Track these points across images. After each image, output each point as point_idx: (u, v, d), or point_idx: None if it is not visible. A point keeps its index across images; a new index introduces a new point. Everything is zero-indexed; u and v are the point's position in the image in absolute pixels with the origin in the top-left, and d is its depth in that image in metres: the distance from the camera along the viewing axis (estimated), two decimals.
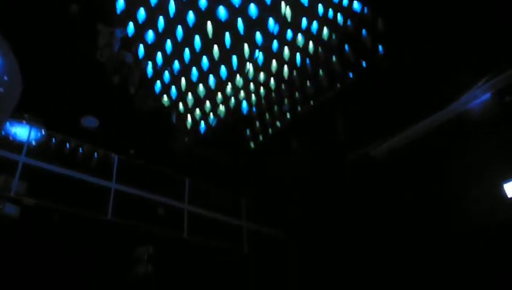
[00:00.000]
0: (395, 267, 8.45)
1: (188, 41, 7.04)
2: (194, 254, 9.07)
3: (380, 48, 7.23)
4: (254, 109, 8.28)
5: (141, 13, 6.70)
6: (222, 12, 6.60)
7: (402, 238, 8.65)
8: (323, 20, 7.02)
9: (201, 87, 7.99)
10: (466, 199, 7.93)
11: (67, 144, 8.41)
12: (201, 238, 9.48)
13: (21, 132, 7.82)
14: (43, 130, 8.07)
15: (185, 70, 7.79)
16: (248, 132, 8.85)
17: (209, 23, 6.74)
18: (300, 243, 10.06)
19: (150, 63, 7.82)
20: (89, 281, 7.44)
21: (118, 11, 6.55)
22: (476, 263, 7.41)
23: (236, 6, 6.52)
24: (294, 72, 7.87)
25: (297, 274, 9.82)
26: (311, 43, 7.27)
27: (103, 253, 7.81)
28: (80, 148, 8.54)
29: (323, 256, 9.65)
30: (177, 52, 7.62)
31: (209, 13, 6.63)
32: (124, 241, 8.21)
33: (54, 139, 8.28)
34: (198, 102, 8.10)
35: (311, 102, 8.24)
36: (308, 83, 7.96)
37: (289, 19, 6.81)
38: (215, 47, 7.09)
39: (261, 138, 8.90)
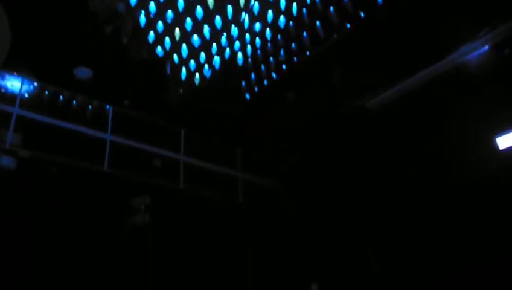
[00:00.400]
0: (390, 218, 8.63)
1: None
2: (190, 204, 9.21)
3: None
4: (250, 60, 8.17)
5: None
6: None
7: (397, 188, 8.78)
8: None
9: (195, 37, 7.84)
10: (460, 151, 8.00)
11: (61, 96, 8.31)
12: (197, 188, 9.61)
13: (13, 84, 7.70)
14: (35, 83, 7.95)
15: (179, 20, 7.62)
16: (244, 83, 8.76)
17: None
18: (295, 194, 10.20)
19: (142, 12, 7.63)
20: (87, 232, 7.58)
21: None
22: (468, 213, 7.59)
23: None
24: (291, 23, 7.71)
25: (292, 224, 10.04)
26: None
27: (100, 204, 7.90)
28: (74, 101, 8.45)
29: (318, 206, 9.81)
30: (171, 1, 7.43)
31: None
32: (121, 192, 8.29)
33: (47, 92, 8.17)
34: (193, 53, 7.98)
35: (308, 53, 8.10)
36: (304, 34, 7.81)
37: None
38: None
39: (256, 89, 8.82)
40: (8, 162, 7.20)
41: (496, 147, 7.70)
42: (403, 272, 8.25)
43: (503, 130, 7.66)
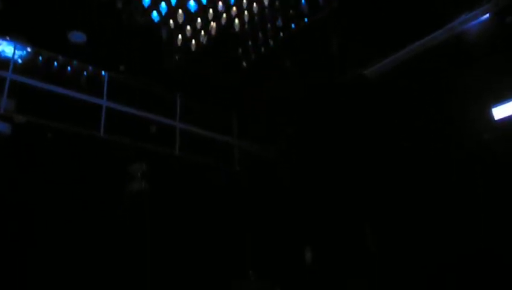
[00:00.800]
0: (387, 188, 8.71)
1: None
2: (185, 171, 9.25)
3: None
4: (246, 26, 8.02)
5: None
6: None
7: (394, 157, 8.82)
8: None
9: (192, 2, 7.67)
10: (458, 121, 8.01)
11: (55, 62, 8.20)
12: (193, 155, 9.64)
13: (5, 49, 7.58)
14: (28, 48, 7.83)
15: None
16: (240, 50, 8.64)
17: None
18: (291, 162, 10.24)
19: None
20: (83, 198, 7.63)
21: None
22: (465, 184, 7.66)
23: None
24: None
25: (288, 192, 10.12)
26: None
27: (96, 170, 7.93)
28: (69, 66, 8.35)
29: (314, 175, 9.88)
30: None
31: None
32: (117, 158, 8.31)
33: (40, 57, 8.05)
34: (189, 18, 7.83)
35: (306, 20, 7.97)
36: (303, 0, 7.67)
37: None
38: None
39: (253, 57, 8.72)
40: (2, 127, 7.18)
41: (492, 117, 7.72)
42: (399, 244, 8.38)
43: (500, 101, 7.67)
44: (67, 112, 8.03)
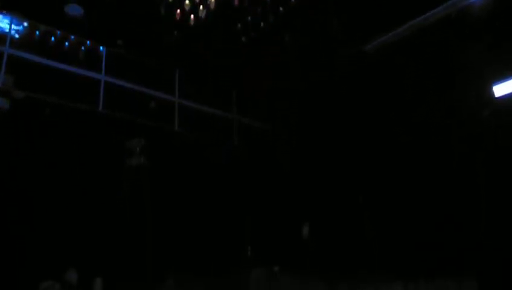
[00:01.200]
0: (385, 162, 8.75)
1: None
2: (185, 147, 9.26)
3: None
4: (246, 0, 7.91)
5: None
6: None
7: (394, 131, 8.83)
8: None
9: None
10: (458, 97, 7.99)
11: (53, 37, 8.11)
12: (192, 130, 9.64)
13: (2, 24, 7.49)
14: (25, 22, 7.73)
15: None
16: (239, 25, 8.53)
17: None
18: (289, 136, 10.24)
19: None
20: (82, 174, 7.65)
21: None
22: (464, 158, 7.71)
23: None
24: None
25: (287, 167, 10.16)
26: None
27: (96, 146, 7.92)
28: (66, 41, 8.26)
29: (313, 149, 9.90)
30: None
31: None
32: (116, 133, 8.29)
33: (37, 32, 7.95)
34: None
35: None
36: None
37: None
38: None
39: (252, 32, 8.62)
40: (1, 102, 7.16)
41: (492, 94, 7.71)
42: (395, 218, 8.47)
43: (501, 78, 7.64)
44: (65, 87, 7.99)
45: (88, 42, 8.53)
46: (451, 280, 6.40)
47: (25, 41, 7.72)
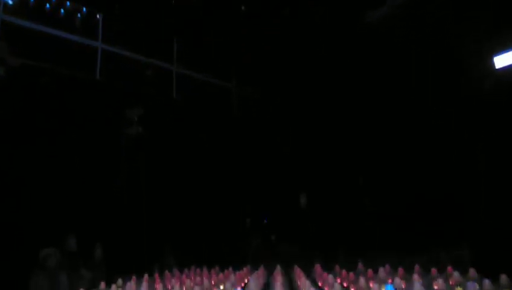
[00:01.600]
0: (384, 134, 8.78)
1: None
2: (183, 115, 9.22)
3: None
4: None
5: None
6: None
7: (392, 102, 8.82)
8: None
9: None
10: (459, 67, 7.94)
11: (47, 4, 7.93)
12: (190, 99, 9.59)
13: None
14: None
15: None
16: None
17: None
18: (286, 104, 10.19)
19: None
20: (80, 143, 7.63)
21: None
22: (463, 127, 7.76)
23: None
24: None
25: (286, 138, 10.18)
26: None
27: (93, 114, 7.87)
28: (62, 8, 8.08)
29: (310, 119, 9.90)
30: None
31: None
32: (114, 102, 8.22)
33: None
34: None
35: None
36: None
37: None
38: None
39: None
40: None
41: (493, 65, 7.68)
42: (393, 187, 8.56)
43: (502, 49, 7.58)
44: (62, 55, 7.90)
45: (84, 9, 8.37)
46: (444, 252, 6.51)
47: (19, 8, 7.56)
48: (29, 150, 6.97)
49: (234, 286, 3.58)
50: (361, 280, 3.83)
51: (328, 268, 5.22)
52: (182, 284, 4.74)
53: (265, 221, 9.69)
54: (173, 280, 5.03)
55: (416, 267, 4.65)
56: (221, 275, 5.04)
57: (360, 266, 5.15)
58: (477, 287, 2.43)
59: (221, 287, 4.48)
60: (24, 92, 7.21)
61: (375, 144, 8.91)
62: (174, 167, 8.75)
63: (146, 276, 4.86)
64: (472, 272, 3.84)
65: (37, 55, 7.54)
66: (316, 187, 9.51)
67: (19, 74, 7.30)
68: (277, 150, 10.05)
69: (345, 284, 4.44)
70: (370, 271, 4.61)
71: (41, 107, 7.27)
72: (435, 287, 3.75)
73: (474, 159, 7.61)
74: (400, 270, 4.49)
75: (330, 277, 4.30)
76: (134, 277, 4.85)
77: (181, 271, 5.69)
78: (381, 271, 4.51)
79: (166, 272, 5.55)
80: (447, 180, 7.86)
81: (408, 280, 3.97)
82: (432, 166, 8.08)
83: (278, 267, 5.31)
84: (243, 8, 8.53)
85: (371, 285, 3.83)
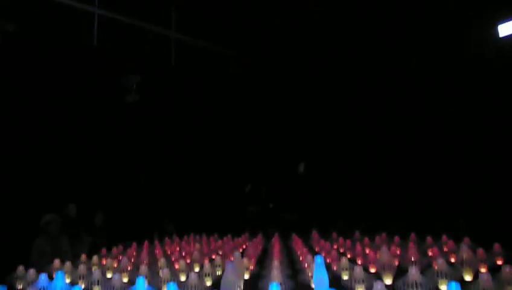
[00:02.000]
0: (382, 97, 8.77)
1: None
2: (181, 83, 9.16)
3: None
4: None
5: None
6: None
7: (389, 70, 8.78)
8: None
9: None
10: (462, 34, 7.88)
11: None
12: (189, 65, 9.50)
13: None
14: None
15: None
16: None
17: None
18: (283, 71, 10.14)
19: None
20: (78, 110, 7.60)
21: None
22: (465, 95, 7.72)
23: None
24: None
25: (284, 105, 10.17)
26: None
27: (90, 81, 7.81)
28: None
29: (313, 85, 9.87)
30: None
31: None
32: (111, 69, 8.14)
33: None
34: None
35: None
36: None
37: None
38: None
39: None
40: None
41: (497, 33, 7.63)
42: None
43: (507, 18, 7.52)
44: (58, 20, 7.78)
45: None
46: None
47: None
48: (28, 116, 6.96)
49: (233, 251, 3.64)
50: (358, 246, 3.90)
51: (326, 236, 5.30)
52: (181, 249, 4.82)
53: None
54: (173, 246, 5.12)
55: (412, 235, 4.75)
56: (219, 241, 5.12)
57: (357, 234, 5.24)
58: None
59: (220, 252, 4.56)
60: (19, 58, 7.13)
61: (378, 111, 8.92)
62: (173, 134, 8.77)
63: (146, 243, 4.94)
64: (466, 240, 3.91)
65: (32, 21, 7.42)
66: (316, 155, 9.55)
67: (14, 40, 7.19)
68: (277, 117, 10.04)
69: (341, 250, 4.53)
70: (366, 239, 4.69)
71: (37, 73, 7.21)
72: (430, 253, 3.86)
73: (473, 131, 7.64)
74: (396, 238, 4.56)
75: (327, 243, 4.37)
76: (134, 243, 4.93)
77: (180, 238, 5.78)
78: (378, 239, 4.59)
79: (166, 239, 5.65)
80: (445, 151, 7.91)
81: (404, 247, 4.04)
82: (431, 137, 8.13)
83: (276, 235, 5.40)
84: None
85: (367, 251, 3.90)
